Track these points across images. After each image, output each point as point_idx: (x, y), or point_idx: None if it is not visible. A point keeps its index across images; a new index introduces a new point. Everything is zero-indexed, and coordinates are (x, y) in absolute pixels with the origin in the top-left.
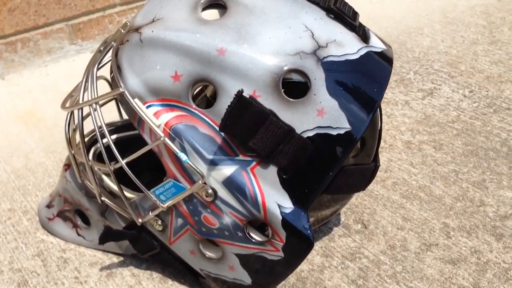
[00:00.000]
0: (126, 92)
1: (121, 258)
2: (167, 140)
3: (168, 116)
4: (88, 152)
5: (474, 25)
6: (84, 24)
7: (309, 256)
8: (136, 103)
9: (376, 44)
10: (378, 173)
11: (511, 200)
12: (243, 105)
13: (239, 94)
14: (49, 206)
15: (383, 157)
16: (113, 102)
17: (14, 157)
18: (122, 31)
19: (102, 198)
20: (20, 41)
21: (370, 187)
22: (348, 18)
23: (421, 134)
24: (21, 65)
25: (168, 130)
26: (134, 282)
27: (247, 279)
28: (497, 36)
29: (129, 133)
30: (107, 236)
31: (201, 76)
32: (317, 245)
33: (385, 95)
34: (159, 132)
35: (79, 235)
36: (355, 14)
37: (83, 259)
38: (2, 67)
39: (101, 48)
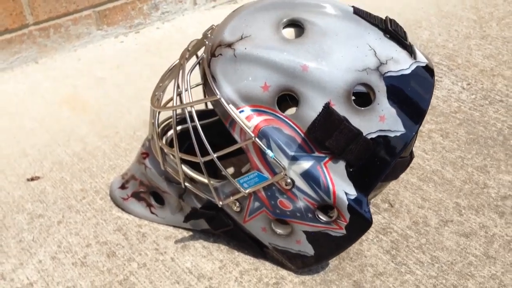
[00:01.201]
0: (222, 99)
1: (190, 233)
2: (256, 139)
3: (257, 119)
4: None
5: (466, 19)
6: (109, 11)
7: None
8: (231, 108)
9: (421, 59)
10: None
11: (509, 183)
12: (328, 114)
13: (327, 105)
14: (123, 187)
15: None
16: None
17: (71, 141)
18: (207, 42)
19: (186, 184)
20: (53, 27)
21: None
22: (401, 38)
23: (429, 123)
24: (53, 49)
25: (257, 131)
26: (206, 253)
27: (310, 251)
28: (487, 31)
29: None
30: (192, 216)
31: (286, 87)
32: None
33: None
34: (250, 132)
35: (152, 213)
36: (405, 34)
37: (158, 233)
38: (36, 51)
39: (187, 56)
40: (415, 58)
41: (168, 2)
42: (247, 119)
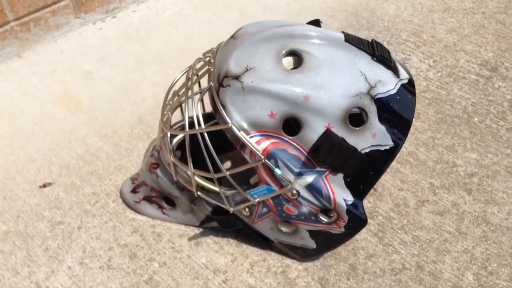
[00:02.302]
0: (233, 127)
1: (201, 230)
2: (266, 160)
3: (266, 143)
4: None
5: None
6: None
7: None
8: (242, 135)
9: (404, 75)
10: None
11: (474, 161)
12: (328, 137)
13: (328, 132)
14: (134, 191)
15: None
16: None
17: (72, 142)
18: (211, 69)
19: (199, 193)
20: (33, 20)
21: None
22: (387, 61)
23: None
24: (34, 42)
25: (266, 153)
26: (218, 248)
27: (312, 245)
28: (448, 3)
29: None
30: (206, 221)
31: (290, 114)
32: None
33: None
34: (260, 155)
35: (164, 213)
36: (389, 55)
37: (172, 232)
38: (18, 45)
39: (193, 80)
40: (398, 76)
41: None
42: (257, 143)
